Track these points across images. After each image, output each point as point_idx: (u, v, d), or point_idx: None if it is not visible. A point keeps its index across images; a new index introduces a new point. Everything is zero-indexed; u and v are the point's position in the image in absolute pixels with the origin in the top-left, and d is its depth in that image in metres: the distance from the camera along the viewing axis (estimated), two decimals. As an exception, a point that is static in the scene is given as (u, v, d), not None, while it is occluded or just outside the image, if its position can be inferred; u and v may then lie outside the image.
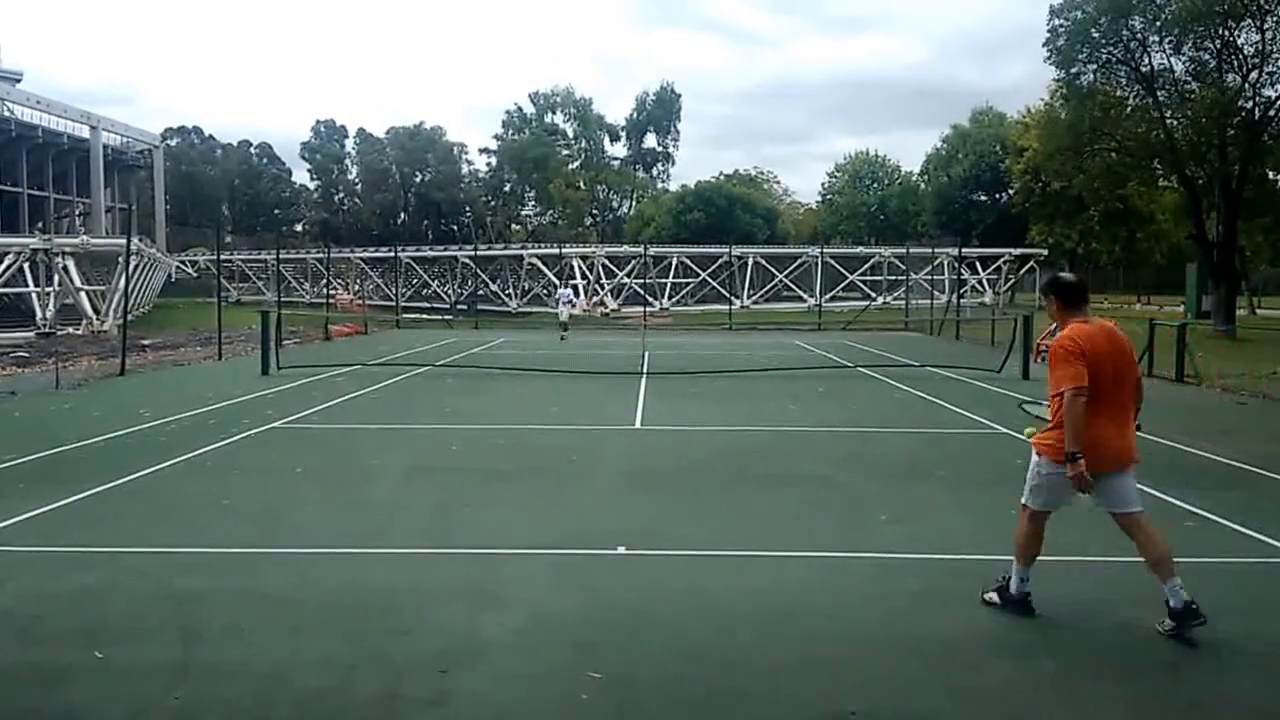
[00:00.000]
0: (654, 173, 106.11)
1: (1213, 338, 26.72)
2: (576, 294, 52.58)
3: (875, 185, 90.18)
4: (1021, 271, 65.40)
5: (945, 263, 51.95)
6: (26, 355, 28.67)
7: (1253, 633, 5.18)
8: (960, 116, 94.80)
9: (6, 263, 42.20)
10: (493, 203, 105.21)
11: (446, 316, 49.02)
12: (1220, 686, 4.56)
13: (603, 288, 55.53)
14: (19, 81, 69.87)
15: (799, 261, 60.82)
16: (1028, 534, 5.36)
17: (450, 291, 65.45)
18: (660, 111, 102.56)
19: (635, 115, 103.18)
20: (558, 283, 49.90)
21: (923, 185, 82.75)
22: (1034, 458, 5.30)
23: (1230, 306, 32.08)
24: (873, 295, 58.58)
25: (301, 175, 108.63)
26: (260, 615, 5.33)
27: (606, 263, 56.47)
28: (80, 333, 40.71)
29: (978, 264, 63.29)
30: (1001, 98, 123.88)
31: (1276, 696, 4.52)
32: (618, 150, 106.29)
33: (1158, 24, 30.68)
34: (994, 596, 5.49)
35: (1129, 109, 33.43)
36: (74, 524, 7.32)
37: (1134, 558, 6.56)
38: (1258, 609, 5.60)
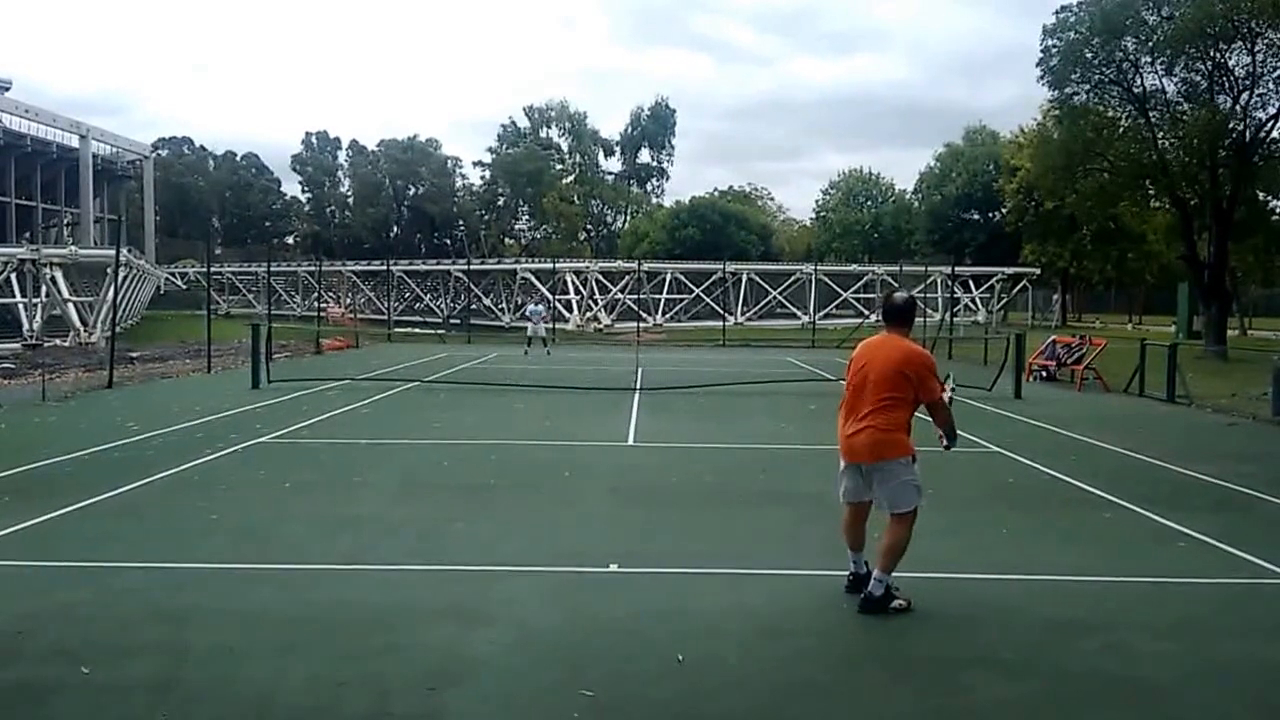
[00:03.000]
0: (648, 188, 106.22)
1: (1204, 358, 26.79)
2: (574, 308, 52.64)
3: (869, 203, 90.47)
4: (1014, 290, 65.62)
5: (938, 281, 52.08)
6: (12, 367, 28.49)
7: (1244, 654, 5.18)
8: (951, 135, 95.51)
9: (-7, 273, 42.08)
10: (486, 217, 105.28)
11: (439, 331, 48.95)
12: (1211, 707, 4.55)
13: (596, 303, 55.52)
14: (8, 89, 69.46)
15: (793, 278, 60.95)
16: (844, 522, 6.06)
17: (443, 306, 65.37)
18: (655, 127, 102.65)
19: (630, 130, 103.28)
20: (550, 298, 49.90)
21: (916, 203, 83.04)
22: None
23: (1221, 327, 32.21)
24: (866, 313, 58.62)
25: (293, 187, 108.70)
26: (248, 632, 5.29)
27: (600, 278, 56.50)
28: (67, 344, 40.51)
29: (970, 282, 63.49)
30: (991, 117, 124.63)
31: (1264, 717, 4.51)
32: (612, 165, 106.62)
33: (1150, 45, 30.89)
34: (900, 603, 5.72)
35: (1121, 129, 33.60)
36: (60, 539, 7.26)
37: (1125, 578, 6.58)
38: (1249, 630, 5.59)
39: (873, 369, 5.77)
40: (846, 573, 6.10)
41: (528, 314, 34.90)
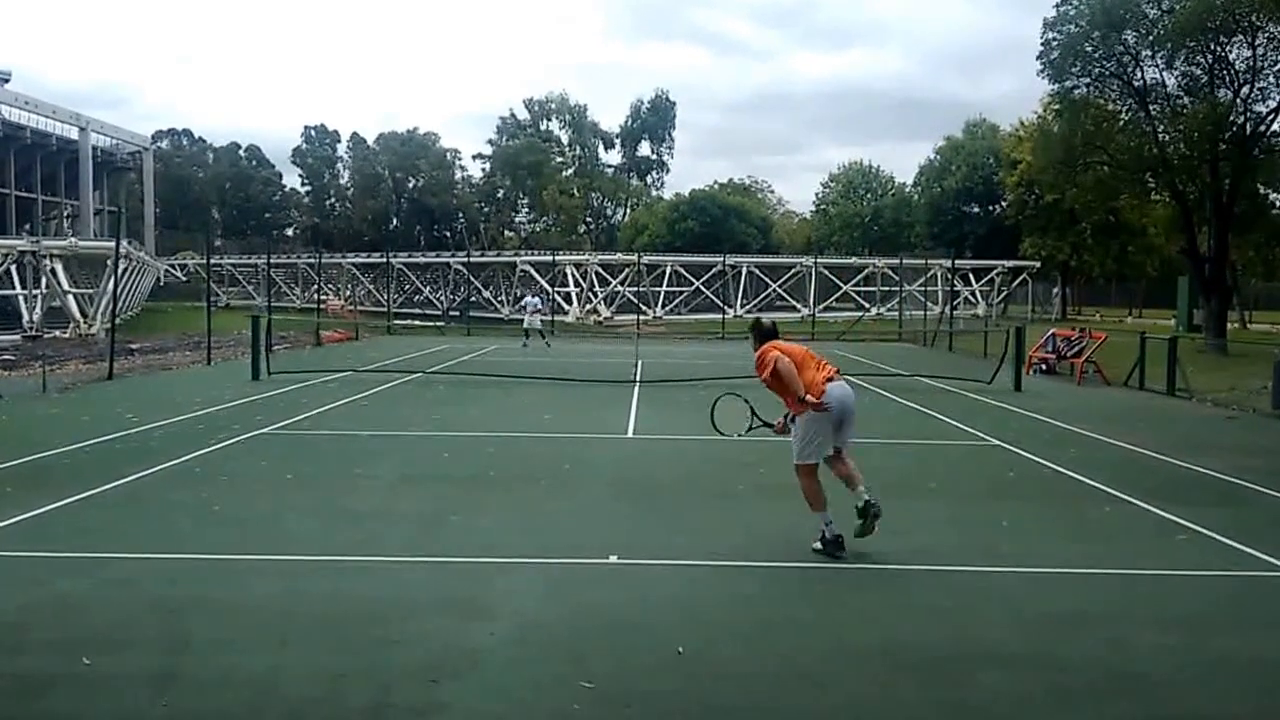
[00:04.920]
0: (648, 181, 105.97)
1: (1204, 352, 26.76)
2: (574, 301, 52.61)
3: (869, 196, 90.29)
4: (1014, 284, 65.58)
5: (938, 274, 52.01)
6: (13, 358, 28.49)
7: (1244, 647, 5.18)
8: (948, 129, 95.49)
9: (-7, 264, 42.01)
10: (486, 209, 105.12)
11: (438, 323, 48.89)
12: (1212, 701, 4.56)
13: (596, 296, 55.47)
14: (8, 81, 69.31)
15: (793, 271, 60.94)
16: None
17: (442, 298, 65.26)
18: (655, 119, 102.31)
19: (630, 123, 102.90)
20: (550, 290, 49.89)
21: (916, 196, 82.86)
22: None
23: (1221, 321, 32.14)
24: (866, 306, 58.65)
25: (293, 179, 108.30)
26: (248, 624, 5.29)
27: (600, 271, 56.42)
28: (68, 336, 40.52)
29: (970, 276, 63.43)
30: (989, 110, 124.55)
31: (1266, 711, 4.52)
32: (612, 158, 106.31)
33: (1150, 39, 30.81)
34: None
35: (1121, 123, 33.52)
36: (60, 530, 7.26)
37: (1126, 571, 6.58)
38: (1248, 623, 5.61)
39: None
40: (826, 549, 6.69)
41: (525, 306, 33.93)
